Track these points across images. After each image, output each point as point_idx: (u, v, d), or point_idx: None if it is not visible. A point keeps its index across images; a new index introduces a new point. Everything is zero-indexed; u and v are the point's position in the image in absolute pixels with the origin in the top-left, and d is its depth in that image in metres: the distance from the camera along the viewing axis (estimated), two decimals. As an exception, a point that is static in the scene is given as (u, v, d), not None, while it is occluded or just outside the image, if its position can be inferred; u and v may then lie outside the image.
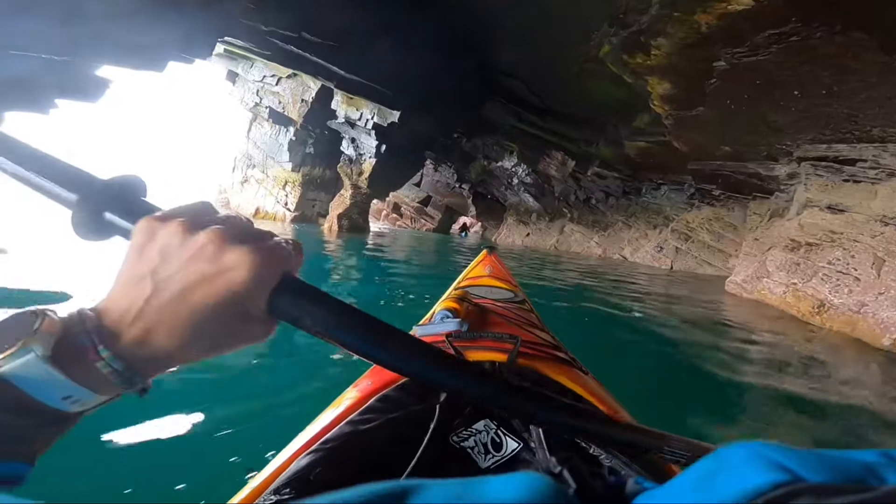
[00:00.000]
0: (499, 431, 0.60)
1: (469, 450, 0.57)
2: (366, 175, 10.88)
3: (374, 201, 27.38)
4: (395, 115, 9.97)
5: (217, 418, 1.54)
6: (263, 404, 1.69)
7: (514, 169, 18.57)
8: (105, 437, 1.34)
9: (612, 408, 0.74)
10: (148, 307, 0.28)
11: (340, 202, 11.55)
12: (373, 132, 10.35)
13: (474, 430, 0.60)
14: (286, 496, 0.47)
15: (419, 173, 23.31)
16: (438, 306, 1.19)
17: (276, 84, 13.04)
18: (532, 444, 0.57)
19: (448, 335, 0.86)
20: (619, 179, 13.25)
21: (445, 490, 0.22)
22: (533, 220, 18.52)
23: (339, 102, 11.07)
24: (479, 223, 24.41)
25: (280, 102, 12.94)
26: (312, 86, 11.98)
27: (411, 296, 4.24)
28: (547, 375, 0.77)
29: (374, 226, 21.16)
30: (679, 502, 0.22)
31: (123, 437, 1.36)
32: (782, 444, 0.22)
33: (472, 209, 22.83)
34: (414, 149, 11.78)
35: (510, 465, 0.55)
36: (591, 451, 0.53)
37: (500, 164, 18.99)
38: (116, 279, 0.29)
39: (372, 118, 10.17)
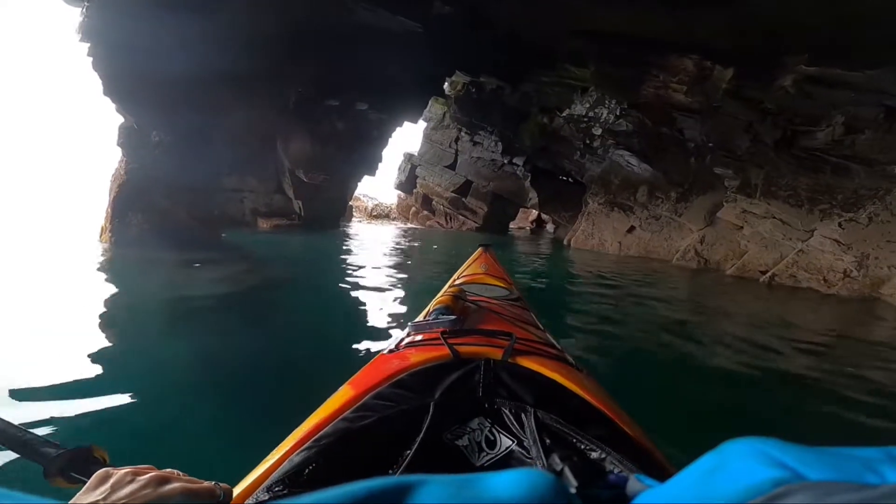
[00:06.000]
0: (493, 429, 0.61)
1: (463, 448, 0.59)
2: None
3: (401, 194, 19.82)
4: None
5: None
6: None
7: (593, 113, 10.18)
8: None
9: (605, 404, 0.72)
10: None
11: (117, 175, 5.00)
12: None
13: (468, 429, 0.61)
14: (279, 493, 0.49)
15: (452, 151, 15.71)
16: (434, 303, 1.20)
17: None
18: (525, 442, 0.58)
19: (443, 332, 0.87)
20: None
21: (446, 486, 0.22)
22: (640, 201, 9.66)
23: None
24: (551, 219, 15.78)
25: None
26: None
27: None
28: (540, 372, 0.76)
29: (383, 226, 12.94)
30: (680, 501, 0.22)
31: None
32: (783, 441, 0.21)
33: (533, 196, 14.45)
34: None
35: (504, 462, 0.57)
36: (583, 448, 0.55)
37: (566, 112, 10.70)
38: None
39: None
